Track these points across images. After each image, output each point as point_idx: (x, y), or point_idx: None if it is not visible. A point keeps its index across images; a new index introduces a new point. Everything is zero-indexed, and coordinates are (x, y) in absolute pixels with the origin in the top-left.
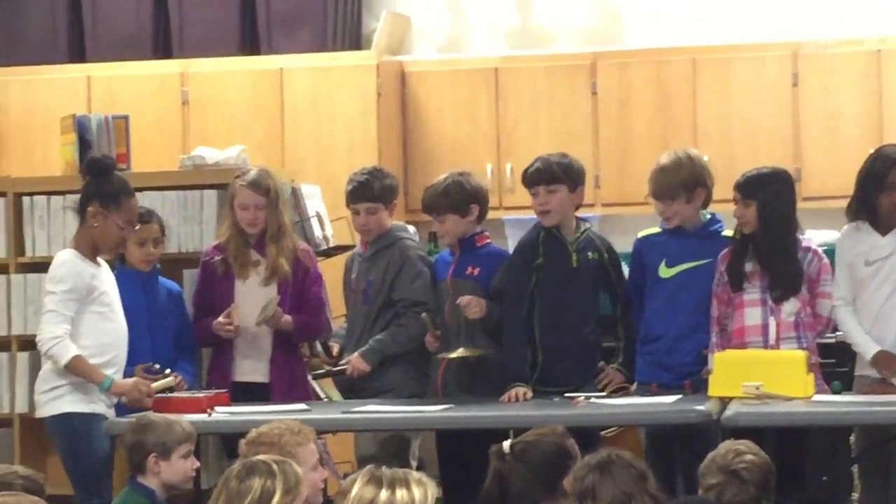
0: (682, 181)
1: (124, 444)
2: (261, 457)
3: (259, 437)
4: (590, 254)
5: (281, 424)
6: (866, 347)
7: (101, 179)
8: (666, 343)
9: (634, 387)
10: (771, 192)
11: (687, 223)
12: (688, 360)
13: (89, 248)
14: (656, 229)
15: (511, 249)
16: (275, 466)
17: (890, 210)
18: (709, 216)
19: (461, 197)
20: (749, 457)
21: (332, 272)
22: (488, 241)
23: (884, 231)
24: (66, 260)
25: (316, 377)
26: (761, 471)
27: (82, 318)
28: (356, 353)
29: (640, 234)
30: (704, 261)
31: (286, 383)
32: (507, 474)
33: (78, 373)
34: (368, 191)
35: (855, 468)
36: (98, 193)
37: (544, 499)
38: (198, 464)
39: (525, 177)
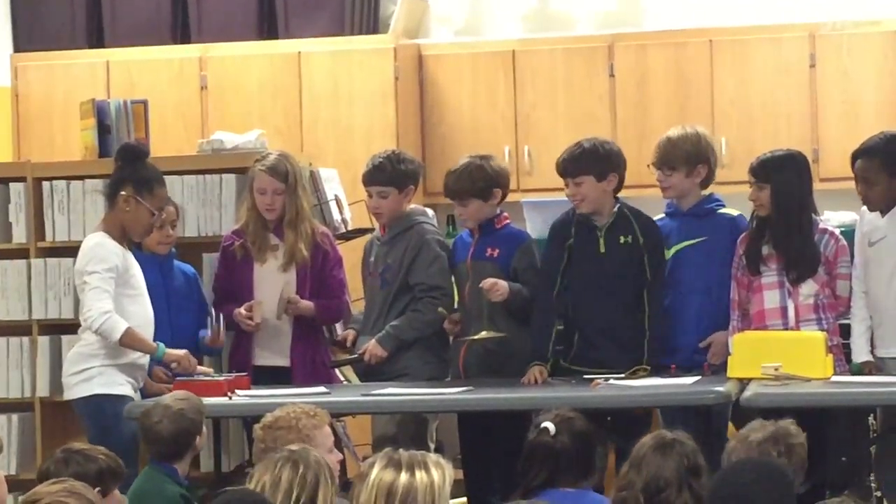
0: (684, 154)
1: (163, 438)
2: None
3: (276, 422)
4: (621, 238)
5: (296, 408)
6: (856, 350)
7: (136, 165)
8: (669, 322)
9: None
10: (785, 175)
11: (682, 200)
12: (692, 339)
13: (118, 232)
14: (661, 215)
15: (530, 232)
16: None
17: (864, 201)
18: (706, 195)
19: (484, 182)
20: (793, 429)
21: (350, 255)
22: (507, 221)
23: (883, 212)
24: (100, 241)
25: (333, 365)
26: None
27: (115, 300)
28: (373, 340)
29: None
30: (699, 239)
31: (307, 367)
32: (559, 450)
33: (131, 345)
34: (380, 174)
35: (873, 449)
36: (132, 179)
37: (589, 473)
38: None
39: (556, 167)
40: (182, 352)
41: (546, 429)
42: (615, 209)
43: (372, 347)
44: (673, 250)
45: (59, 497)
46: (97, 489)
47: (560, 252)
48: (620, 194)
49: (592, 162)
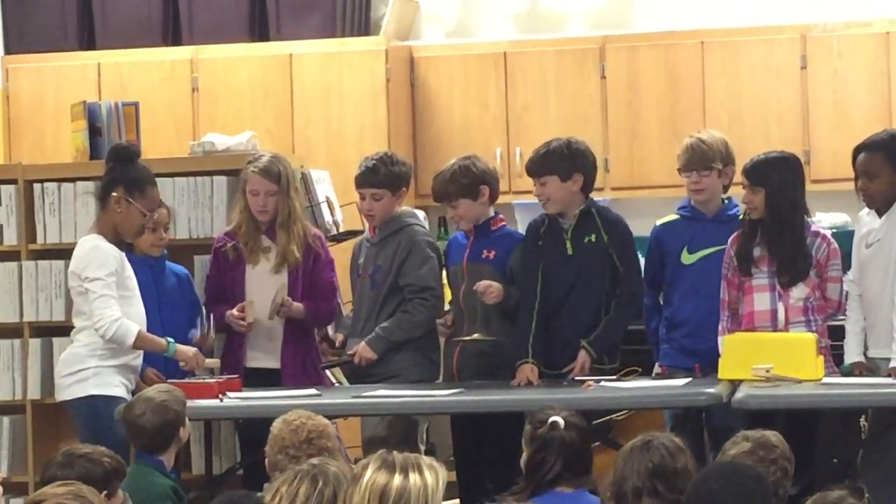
0: (720, 154)
1: (146, 431)
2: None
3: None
4: (586, 238)
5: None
6: (849, 351)
7: (127, 166)
8: (691, 328)
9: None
10: (779, 178)
11: (707, 204)
12: (714, 343)
13: (111, 234)
14: (673, 216)
15: (523, 232)
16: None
17: (863, 196)
18: (726, 201)
19: (469, 180)
20: (774, 439)
21: (342, 257)
22: (503, 223)
23: (881, 211)
24: (97, 244)
25: (323, 368)
26: (790, 458)
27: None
28: (363, 342)
29: (659, 222)
30: (723, 246)
31: (298, 369)
32: (570, 445)
33: (144, 346)
34: (373, 176)
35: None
36: (123, 180)
37: (588, 472)
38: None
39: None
40: (192, 350)
41: (557, 423)
42: (577, 211)
43: (361, 350)
44: (696, 256)
45: (64, 499)
46: (104, 493)
47: (534, 254)
48: (613, 195)
49: (556, 162)
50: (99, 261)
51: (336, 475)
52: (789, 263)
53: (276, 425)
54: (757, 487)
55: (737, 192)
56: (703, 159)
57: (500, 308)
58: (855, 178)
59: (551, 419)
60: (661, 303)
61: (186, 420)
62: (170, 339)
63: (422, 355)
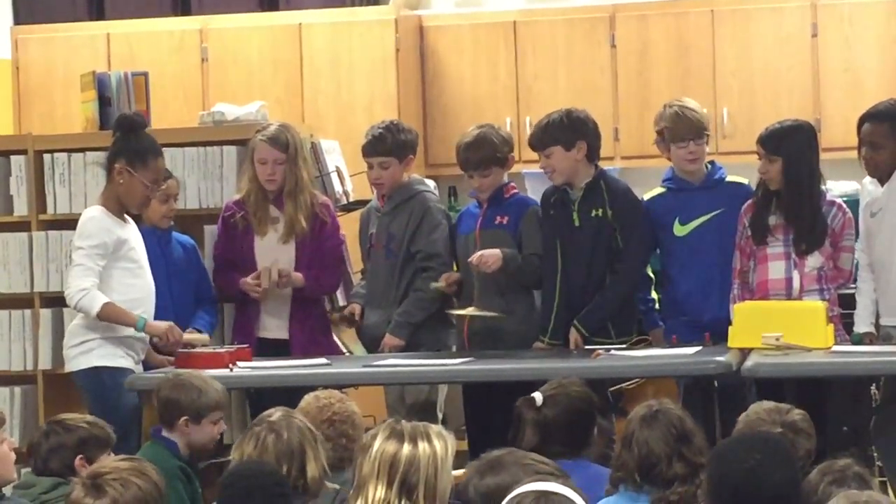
0: (707, 122)
1: (158, 398)
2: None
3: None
4: (593, 211)
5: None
6: (860, 320)
7: (130, 137)
8: (691, 299)
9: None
10: (795, 147)
11: (695, 173)
12: (718, 313)
13: (116, 205)
14: (660, 189)
15: None
16: None
17: (866, 165)
18: (709, 166)
19: (502, 151)
20: (801, 423)
21: (352, 227)
22: (515, 190)
23: (882, 181)
24: (93, 216)
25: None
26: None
27: (110, 273)
28: (387, 333)
29: (646, 196)
30: (717, 211)
31: (305, 338)
32: (541, 421)
33: (111, 319)
34: (381, 145)
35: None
36: (126, 151)
37: (581, 445)
38: (225, 428)
39: (528, 143)
40: (165, 324)
41: (532, 399)
42: (584, 183)
43: (388, 340)
44: (689, 227)
45: (125, 475)
46: (80, 456)
47: (547, 225)
48: (623, 164)
49: (558, 132)
50: (87, 232)
51: (300, 428)
52: (807, 232)
53: (307, 399)
54: (791, 457)
55: (744, 161)
56: (696, 128)
57: (503, 273)
58: (858, 147)
59: (533, 394)
60: (651, 275)
61: (205, 419)
62: (142, 315)
63: (442, 324)
